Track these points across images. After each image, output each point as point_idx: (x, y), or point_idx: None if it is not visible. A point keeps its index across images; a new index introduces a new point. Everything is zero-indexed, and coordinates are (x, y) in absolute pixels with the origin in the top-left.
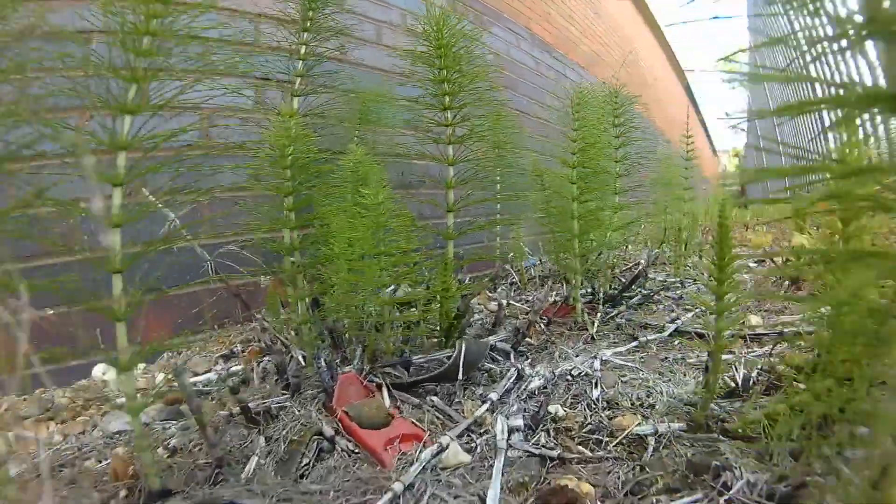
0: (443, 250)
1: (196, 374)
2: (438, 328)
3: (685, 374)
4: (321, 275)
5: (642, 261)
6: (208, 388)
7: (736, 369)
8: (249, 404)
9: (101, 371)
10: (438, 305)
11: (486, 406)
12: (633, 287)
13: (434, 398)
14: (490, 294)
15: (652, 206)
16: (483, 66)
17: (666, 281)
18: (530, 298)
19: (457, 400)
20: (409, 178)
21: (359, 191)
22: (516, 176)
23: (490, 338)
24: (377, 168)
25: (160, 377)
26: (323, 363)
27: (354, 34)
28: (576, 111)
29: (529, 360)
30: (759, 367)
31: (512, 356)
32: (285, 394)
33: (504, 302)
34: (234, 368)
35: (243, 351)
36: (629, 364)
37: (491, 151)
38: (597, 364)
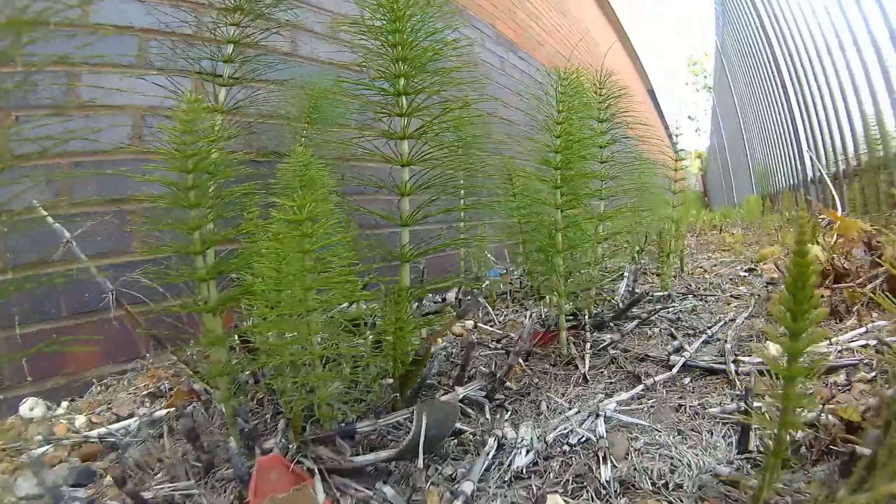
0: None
1: (118, 419)
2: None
3: (711, 433)
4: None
5: (626, 274)
6: (127, 440)
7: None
8: (145, 495)
9: (28, 407)
10: (391, 344)
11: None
12: (630, 312)
13: (386, 488)
14: (454, 311)
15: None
16: (445, 43)
17: (652, 296)
18: (502, 320)
19: (418, 486)
20: (361, 185)
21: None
22: (484, 179)
23: (459, 390)
24: (323, 172)
25: (81, 420)
26: (233, 443)
27: (307, 27)
28: (561, 99)
29: (510, 415)
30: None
31: (487, 410)
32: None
33: (474, 337)
34: (157, 413)
35: (171, 389)
36: (639, 421)
37: (455, 149)
38: (600, 425)
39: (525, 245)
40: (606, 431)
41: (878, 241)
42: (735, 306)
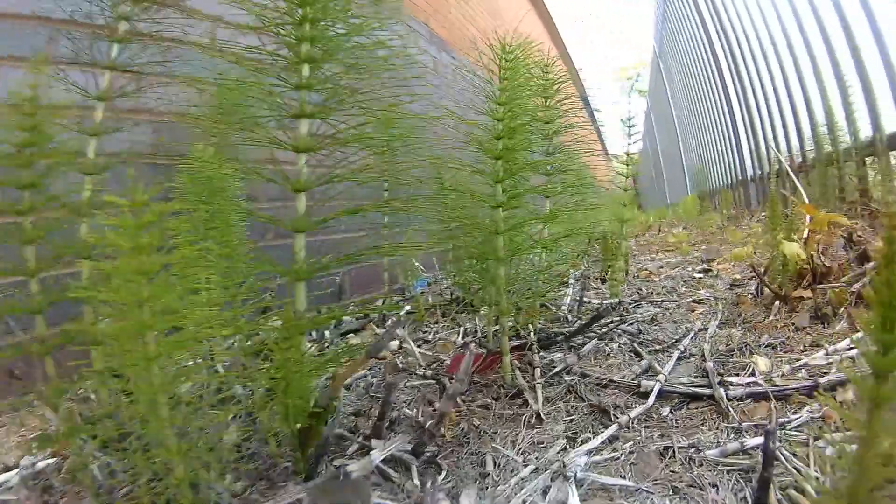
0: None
1: (6, 468)
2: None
3: (716, 487)
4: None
5: (571, 281)
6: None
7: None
8: None
9: None
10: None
11: None
12: (590, 329)
13: None
14: (377, 328)
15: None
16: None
17: (603, 305)
18: (432, 339)
19: None
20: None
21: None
22: (409, 177)
23: (375, 454)
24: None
25: None
26: None
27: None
28: (504, 75)
29: (444, 476)
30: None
31: (415, 474)
32: None
33: (399, 360)
34: (40, 464)
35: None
36: (621, 481)
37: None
38: (570, 494)
39: (456, 252)
40: (581, 501)
41: (860, 236)
42: (701, 313)
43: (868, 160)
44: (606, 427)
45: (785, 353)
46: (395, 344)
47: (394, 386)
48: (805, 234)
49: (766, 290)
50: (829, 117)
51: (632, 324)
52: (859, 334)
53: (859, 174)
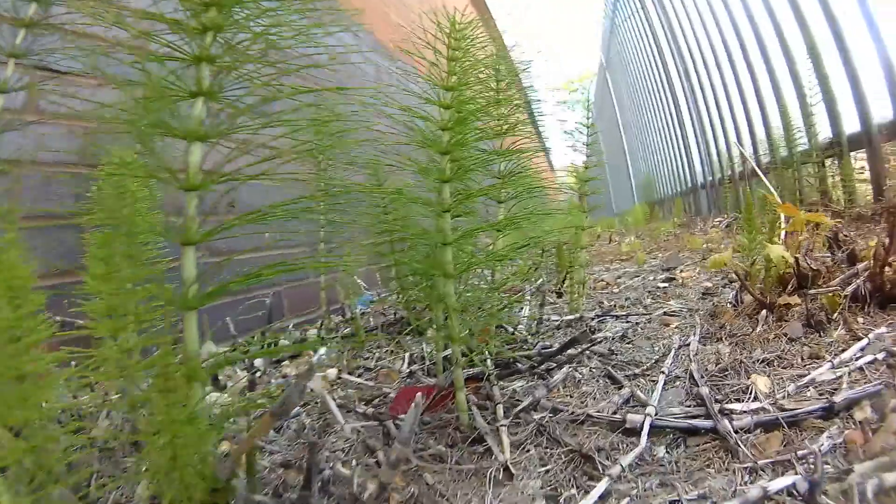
0: None
1: None
2: None
3: None
4: None
5: (528, 297)
6: None
7: None
8: None
9: None
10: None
11: None
12: (562, 354)
13: None
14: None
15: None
16: None
17: (563, 321)
18: (374, 366)
19: None
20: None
21: None
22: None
23: None
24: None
25: None
26: None
27: None
28: (453, 56)
29: None
30: None
31: None
32: None
33: (335, 397)
34: None
35: None
36: None
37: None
38: None
39: (399, 267)
40: None
41: (846, 235)
42: (676, 327)
43: (828, 162)
44: (594, 480)
45: (784, 368)
46: (333, 373)
47: (317, 447)
48: (783, 236)
49: (748, 299)
50: (784, 120)
51: (599, 342)
52: (862, 342)
53: (819, 176)
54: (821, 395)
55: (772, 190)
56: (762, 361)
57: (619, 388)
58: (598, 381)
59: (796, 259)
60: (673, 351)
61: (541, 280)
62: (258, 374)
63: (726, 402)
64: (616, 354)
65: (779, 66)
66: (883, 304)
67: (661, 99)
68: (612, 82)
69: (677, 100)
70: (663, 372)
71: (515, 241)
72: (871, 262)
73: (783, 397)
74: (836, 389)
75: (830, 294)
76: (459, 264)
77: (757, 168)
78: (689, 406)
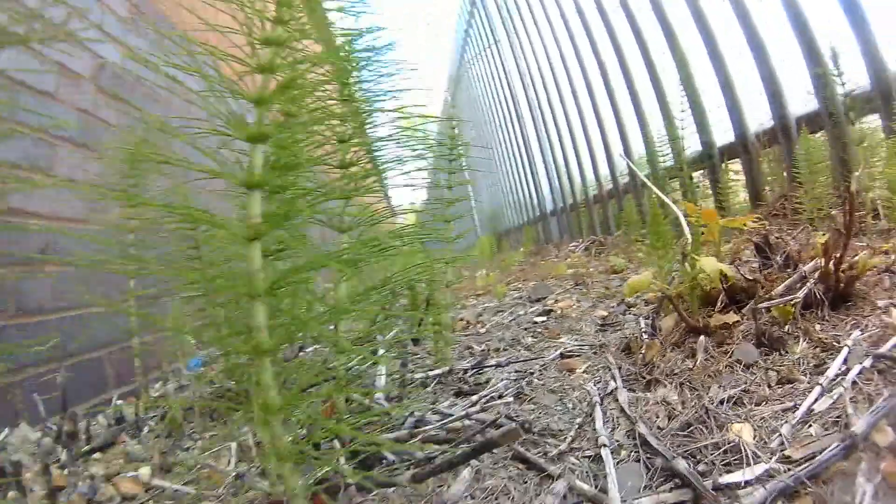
0: None
1: None
2: None
3: None
4: None
5: (381, 350)
6: None
7: None
8: None
9: None
10: None
11: None
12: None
13: None
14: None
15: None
16: None
17: (429, 377)
18: (195, 462)
19: None
20: None
21: None
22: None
23: None
24: None
25: None
26: None
27: None
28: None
29: None
30: None
31: None
32: None
33: None
34: None
35: None
36: None
37: None
38: None
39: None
40: None
41: (779, 237)
42: (585, 372)
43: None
44: None
45: (758, 405)
46: (146, 473)
47: None
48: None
49: (667, 324)
50: (647, 141)
51: (485, 399)
52: (843, 353)
53: (685, 189)
54: (826, 428)
55: (667, 201)
56: (727, 402)
57: (547, 479)
58: (508, 469)
59: (722, 272)
60: (598, 407)
61: (396, 329)
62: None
63: (717, 475)
64: (521, 422)
65: (642, 85)
66: (835, 305)
67: (508, 132)
68: (456, 122)
69: (526, 132)
70: (605, 444)
71: (362, 284)
72: (822, 259)
73: (780, 445)
74: (839, 417)
75: (782, 306)
76: (279, 330)
77: (646, 180)
78: (663, 489)
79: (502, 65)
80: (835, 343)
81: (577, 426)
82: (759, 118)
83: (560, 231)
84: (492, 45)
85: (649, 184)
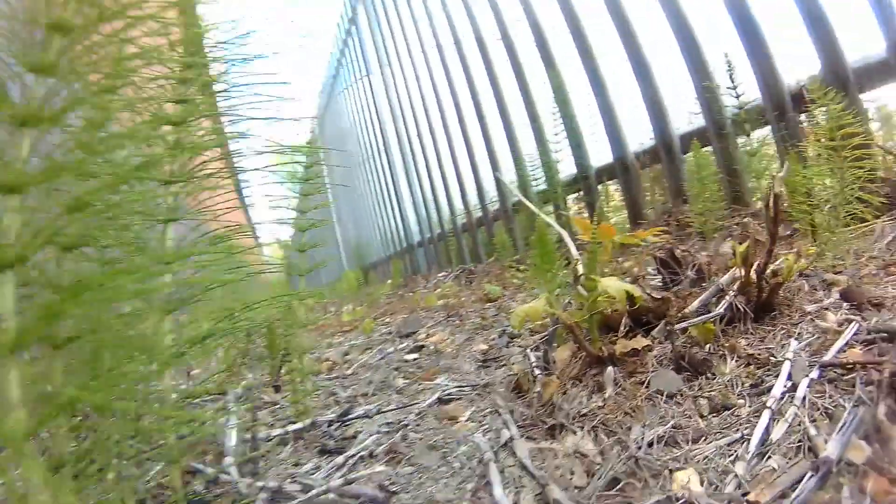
0: None
1: None
2: None
3: None
4: None
5: (231, 400)
6: None
7: None
8: None
9: None
10: None
11: None
12: None
13: None
14: None
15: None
16: None
17: (289, 433)
18: None
19: None
20: None
21: None
22: None
23: None
24: None
25: None
26: None
27: None
28: None
29: None
30: None
31: None
32: None
33: None
34: None
35: None
36: None
37: None
38: None
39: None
40: None
41: (686, 251)
42: (468, 420)
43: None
44: None
45: (696, 442)
46: None
47: None
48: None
49: (562, 356)
50: (518, 166)
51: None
52: (786, 367)
53: (558, 214)
54: (789, 458)
55: (550, 221)
56: (657, 443)
57: None
58: None
59: (628, 292)
60: (492, 464)
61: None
62: None
63: None
64: (396, 492)
65: (517, 114)
66: (759, 317)
67: (375, 164)
68: (323, 155)
69: (393, 164)
70: None
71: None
72: (741, 269)
73: (738, 488)
74: (800, 441)
75: (701, 325)
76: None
77: (526, 201)
78: None
79: (373, 96)
80: (770, 357)
81: (469, 493)
82: (640, 138)
83: (428, 262)
84: (363, 77)
85: (528, 203)
